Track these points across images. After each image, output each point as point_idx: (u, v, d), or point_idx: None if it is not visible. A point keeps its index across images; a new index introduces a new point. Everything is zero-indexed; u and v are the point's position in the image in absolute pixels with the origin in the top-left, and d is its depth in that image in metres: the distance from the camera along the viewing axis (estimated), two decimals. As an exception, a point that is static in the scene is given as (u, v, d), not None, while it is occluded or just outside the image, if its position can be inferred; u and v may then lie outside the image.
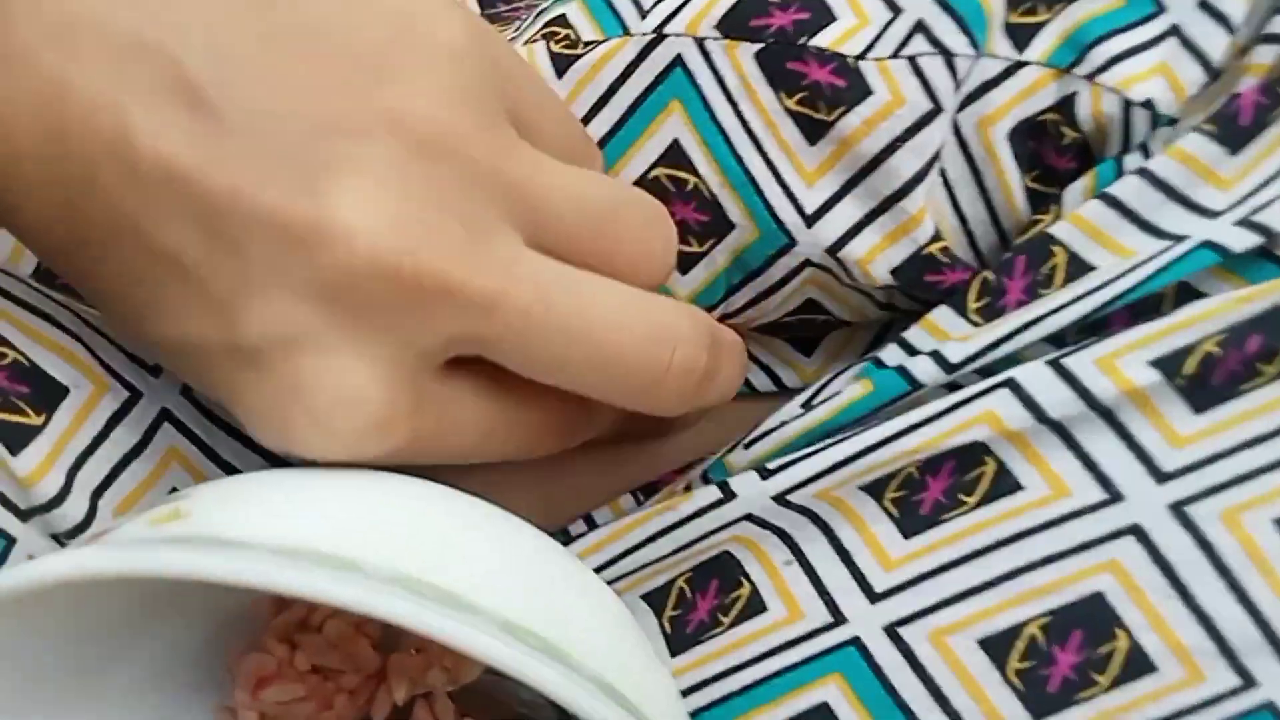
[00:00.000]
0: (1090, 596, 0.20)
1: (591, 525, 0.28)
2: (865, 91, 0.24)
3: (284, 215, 0.19)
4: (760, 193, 0.26)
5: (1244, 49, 0.23)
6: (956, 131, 0.26)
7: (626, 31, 0.26)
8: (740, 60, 0.25)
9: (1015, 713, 0.20)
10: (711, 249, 0.27)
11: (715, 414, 0.28)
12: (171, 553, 0.16)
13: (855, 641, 0.22)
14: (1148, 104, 0.24)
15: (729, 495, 0.23)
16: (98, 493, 0.25)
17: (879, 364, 0.25)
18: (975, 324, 0.24)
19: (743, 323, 0.28)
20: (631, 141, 0.26)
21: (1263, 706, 0.19)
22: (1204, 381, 0.20)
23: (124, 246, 0.20)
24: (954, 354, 0.23)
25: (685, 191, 0.26)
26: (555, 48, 0.27)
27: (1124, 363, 0.21)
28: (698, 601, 0.24)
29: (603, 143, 0.27)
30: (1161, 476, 0.20)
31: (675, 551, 0.24)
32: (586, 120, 0.27)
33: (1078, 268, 0.23)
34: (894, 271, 0.25)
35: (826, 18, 0.25)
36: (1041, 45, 0.25)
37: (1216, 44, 0.24)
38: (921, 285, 0.26)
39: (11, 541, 0.24)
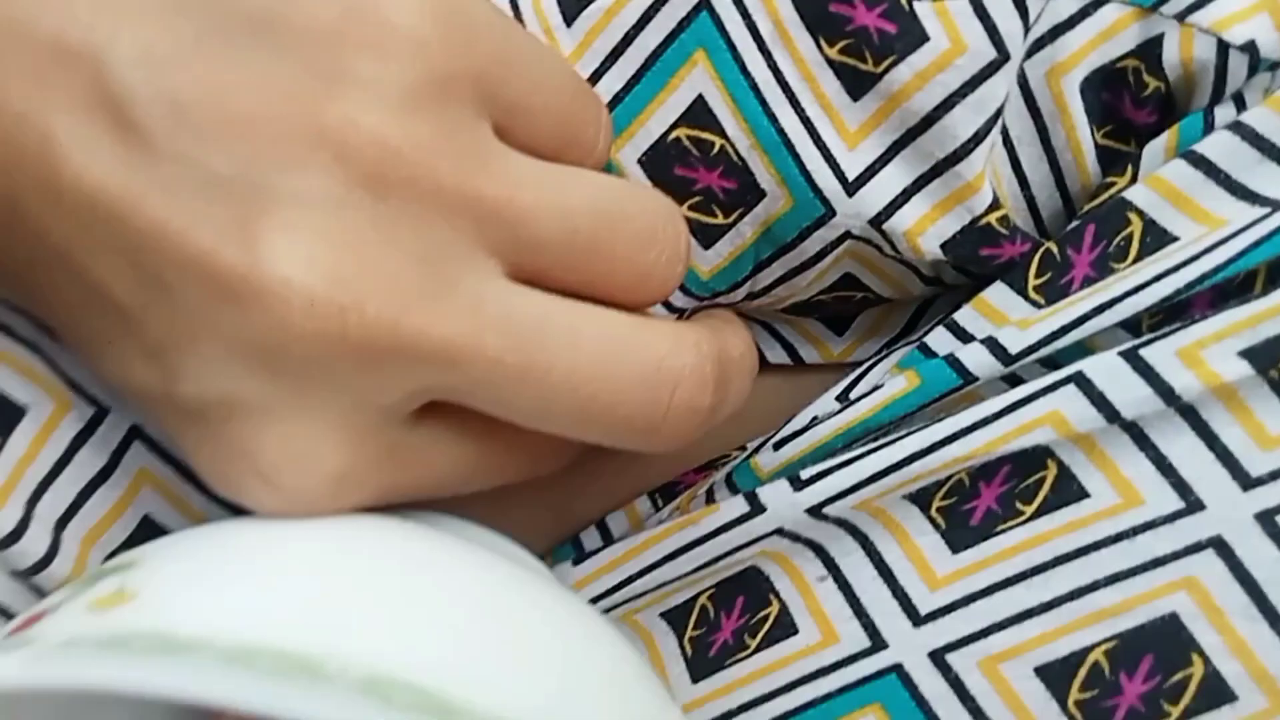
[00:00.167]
0: (1163, 618, 0.19)
1: (606, 536, 0.27)
2: (920, 38, 0.22)
3: (213, 263, 0.18)
4: (796, 156, 0.24)
5: None
6: (1021, 83, 0.23)
7: None
8: (775, 2, 0.23)
9: None
10: (738, 220, 0.25)
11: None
12: (107, 665, 0.15)
13: (897, 669, 0.21)
14: (1248, 47, 0.22)
15: (758, 508, 0.22)
16: (61, 524, 0.24)
17: (925, 350, 0.23)
18: (1036, 304, 0.22)
19: (770, 303, 0.27)
20: (649, 99, 0.24)
21: None
22: None
23: (57, 276, 0.19)
24: (1012, 343, 0.21)
25: (710, 155, 0.24)
26: None
27: (1210, 354, 0.19)
28: (722, 621, 0.23)
29: (615, 101, 0.25)
30: (1248, 482, 0.19)
31: (698, 569, 0.23)
32: (596, 76, 0.24)
33: (1156, 238, 0.21)
34: (945, 245, 0.24)
35: None
36: None
37: None
38: (976, 260, 0.24)
39: None
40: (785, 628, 0.22)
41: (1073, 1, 0.23)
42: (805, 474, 0.22)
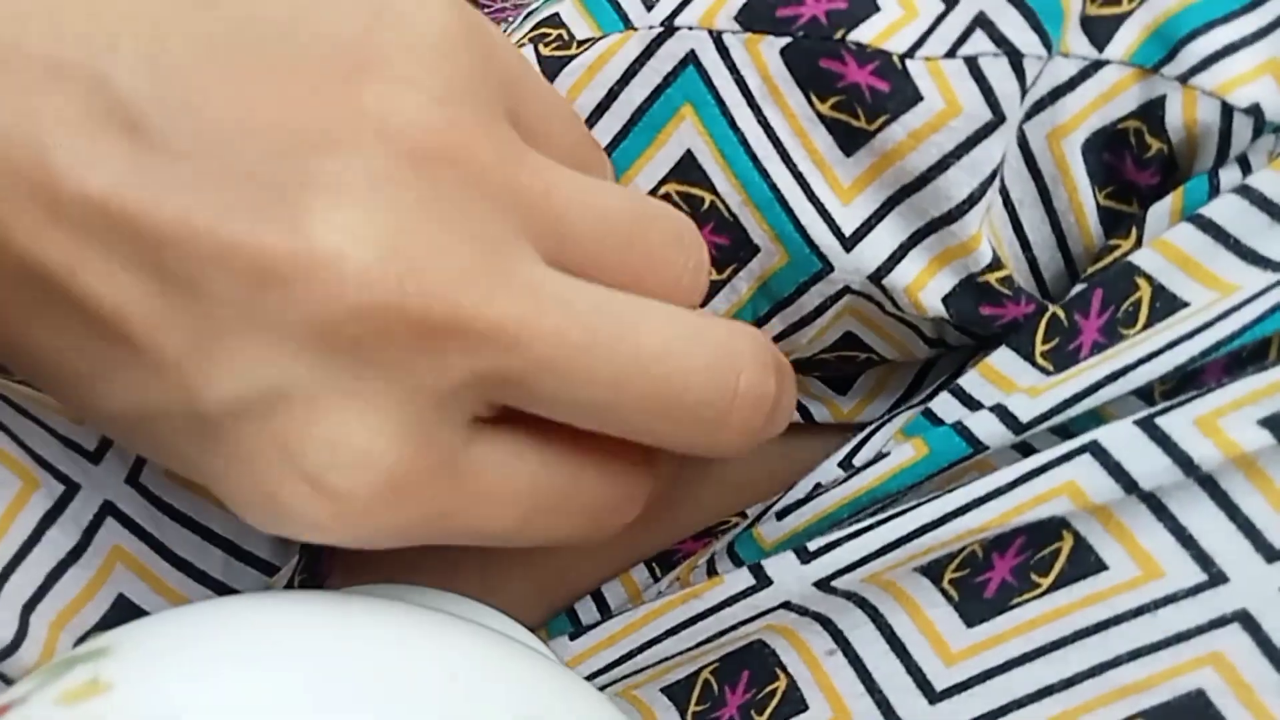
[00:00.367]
0: (1189, 695, 0.18)
1: (603, 607, 0.26)
2: (913, 97, 0.22)
3: (252, 249, 0.17)
4: (789, 211, 0.23)
5: None
6: (1022, 144, 0.23)
7: (629, 25, 0.24)
8: (764, 57, 0.22)
9: None
10: (732, 276, 0.24)
11: (734, 464, 0.26)
12: None
13: None
14: (1253, 110, 0.21)
15: (764, 581, 0.22)
16: (29, 607, 0.23)
17: (931, 417, 0.22)
18: (1044, 370, 0.22)
19: None
20: (637, 154, 0.24)
21: None
22: None
23: (53, 305, 0.18)
24: (1023, 411, 0.21)
25: (701, 211, 0.24)
26: (545, 50, 0.24)
27: (1229, 422, 0.19)
28: (726, 696, 0.22)
29: (604, 156, 0.24)
30: (1272, 554, 0.18)
31: (701, 644, 0.23)
32: None
33: (1166, 304, 0.21)
34: (946, 300, 0.23)
35: (867, 8, 0.22)
36: (1124, 40, 0.22)
37: None
38: (978, 320, 0.23)
39: None
40: (794, 704, 0.21)
41: (1073, 63, 0.22)
42: (813, 546, 0.21)
